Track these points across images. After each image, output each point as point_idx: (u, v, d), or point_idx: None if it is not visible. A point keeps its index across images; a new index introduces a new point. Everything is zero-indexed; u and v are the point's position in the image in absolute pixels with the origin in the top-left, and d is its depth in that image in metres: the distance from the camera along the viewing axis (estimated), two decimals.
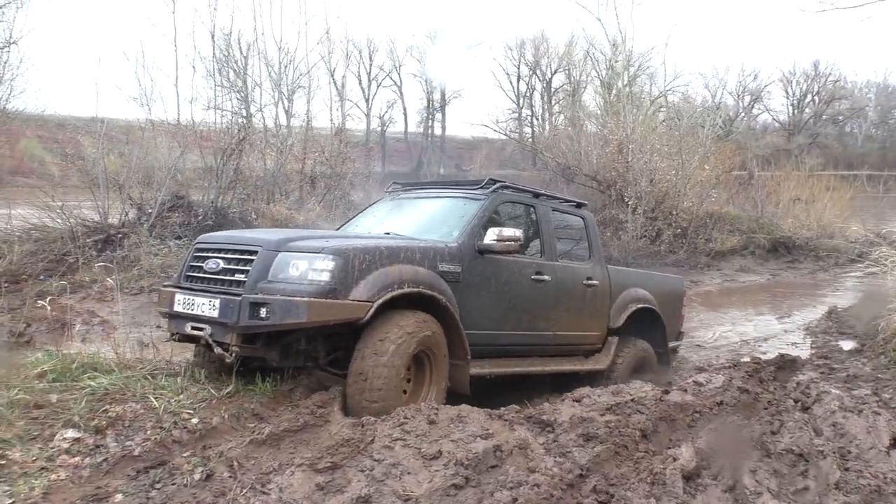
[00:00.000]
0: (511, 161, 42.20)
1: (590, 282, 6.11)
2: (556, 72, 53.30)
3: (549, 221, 5.94)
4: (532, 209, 5.87)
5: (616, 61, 20.76)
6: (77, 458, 3.39)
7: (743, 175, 18.79)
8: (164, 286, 4.83)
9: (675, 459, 3.51)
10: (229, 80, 17.56)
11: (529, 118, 55.01)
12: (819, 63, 57.77)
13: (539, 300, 5.59)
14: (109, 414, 3.76)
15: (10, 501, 2.95)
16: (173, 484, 3.18)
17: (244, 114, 16.73)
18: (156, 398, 3.89)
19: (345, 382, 4.26)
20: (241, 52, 17.00)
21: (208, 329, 4.22)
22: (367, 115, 50.31)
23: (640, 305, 6.56)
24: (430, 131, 56.84)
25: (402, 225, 5.54)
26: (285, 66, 17.16)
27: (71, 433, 3.58)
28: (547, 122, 53.14)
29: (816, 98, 59.08)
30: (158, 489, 3.15)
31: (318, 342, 4.48)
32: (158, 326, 8.44)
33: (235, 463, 3.38)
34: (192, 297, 4.36)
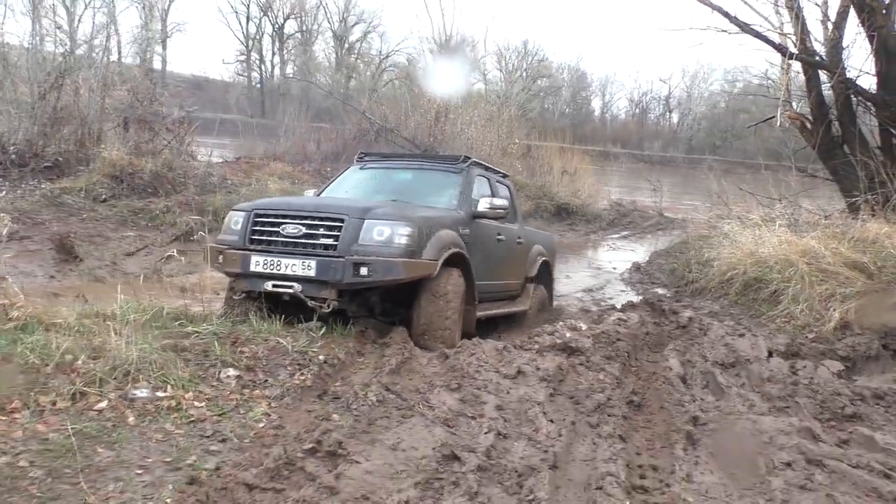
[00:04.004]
0: (238, 106, 41.02)
1: (519, 240, 7.52)
2: (288, 17, 52.38)
3: (498, 190, 7.19)
4: (488, 181, 7.06)
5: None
6: (258, 391, 3.91)
7: (521, 146, 21.56)
8: (228, 249, 5.25)
9: (671, 369, 5.11)
10: None
11: (258, 62, 53.23)
12: (528, 42, 64.37)
13: (499, 256, 6.86)
14: (246, 355, 4.24)
15: (263, 425, 3.49)
16: (362, 405, 3.92)
17: None
18: (281, 339, 4.42)
19: (411, 324, 5.24)
20: None
21: (298, 286, 4.88)
22: (71, 39, 44.77)
23: (544, 258, 8.17)
24: (148, 64, 52.22)
25: (399, 193, 6.41)
26: None
27: (231, 372, 4.04)
28: (277, 68, 52.21)
29: (525, 74, 66.24)
30: (354, 409, 3.87)
31: (378, 297, 5.33)
32: (52, 276, 8.03)
33: (391, 388, 4.18)
34: (276, 259, 4.95)
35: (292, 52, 53.30)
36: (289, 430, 3.48)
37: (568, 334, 6.00)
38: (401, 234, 4.98)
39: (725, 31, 8.76)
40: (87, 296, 6.27)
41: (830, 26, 9.54)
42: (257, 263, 4.99)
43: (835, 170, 9.61)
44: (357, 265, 4.80)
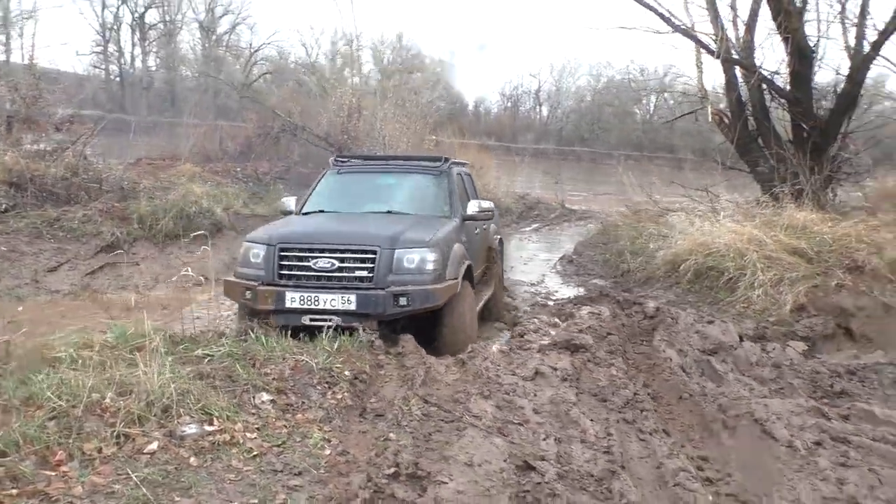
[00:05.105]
0: (94, 101, 38.93)
1: (485, 226, 7.58)
2: (149, 6, 49.54)
3: (468, 184, 7.23)
4: (460, 176, 7.05)
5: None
6: (300, 415, 3.67)
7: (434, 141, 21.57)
8: (259, 286, 5.05)
9: (670, 359, 5.29)
10: None
11: (117, 54, 50.00)
12: (402, 36, 64.24)
13: (477, 248, 6.91)
14: (272, 376, 3.96)
15: (329, 452, 3.28)
16: (411, 420, 3.77)
17: None
18: (299, 357, 4.16)
19: (440, 335, 5.34)
20: None
21: (337, 319, 4.87)
22: None
23: (499, 236, 8.31)
24: None
25: (387, 201, 6.34)
26: None
27: (265, 396, 3.77)
28: (138, 60, 49.53)
29: (400, 68, 66.08)
30: (405, 426, 3.72)
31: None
32: None
33: (430, 401, 4.05)
34: (313, 294, 4.92)
35: (153, 43, 50.26)
36: (356, 455, 3.30)
37: (553, 332, 6.09)
38: (429, 261, 5.11)
39: (658, 31, 9.17)
40: (21, 319, 5.65)
41: (742, 27, 10.21)
42: (293, 300, 4.93)
43: (751, 163, 10.31)
44: (396, 296, 4.91)
